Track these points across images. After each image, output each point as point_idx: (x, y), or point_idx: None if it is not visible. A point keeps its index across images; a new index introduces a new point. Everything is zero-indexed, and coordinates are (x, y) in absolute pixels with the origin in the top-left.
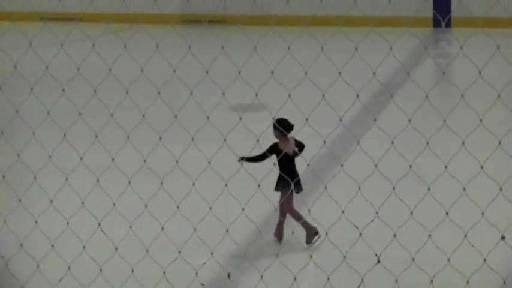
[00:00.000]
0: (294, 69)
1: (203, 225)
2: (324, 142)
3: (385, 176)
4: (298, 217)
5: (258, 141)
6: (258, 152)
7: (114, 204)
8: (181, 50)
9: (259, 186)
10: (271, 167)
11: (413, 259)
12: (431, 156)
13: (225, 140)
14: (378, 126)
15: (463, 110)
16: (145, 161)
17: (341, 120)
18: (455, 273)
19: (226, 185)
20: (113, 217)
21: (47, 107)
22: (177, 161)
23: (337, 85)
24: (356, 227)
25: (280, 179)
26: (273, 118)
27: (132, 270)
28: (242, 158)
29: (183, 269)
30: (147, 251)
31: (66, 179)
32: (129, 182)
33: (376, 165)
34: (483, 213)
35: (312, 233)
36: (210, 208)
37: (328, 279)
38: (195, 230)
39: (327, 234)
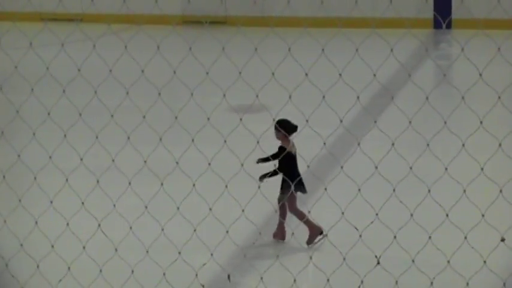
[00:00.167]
0: (294, 71)
1: (203, 226)
2: (324, 143)
3: (385, 178)
4: (301, 216)
5: (258, 142)
6: (259, 154)
7: (114, 205)
8: (182, 51)
9: (259, 187)
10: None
11: (413, 261)
12: (432, 158)
13: (225, 141)
14: (379, 128)
15: (464, 112)
16: (145, 162)
17: (341, 121)
18: (455, 275)
19: (226, 186)
20: (113, 218)
21: (47, 108)
22: (177, 162)
23: (338, 86)
24: (356, 228)
25: (285, 181)
26: (274, 120)
27: (132, 271)
28: (261, 161)
29: (183, 270)
30: (147, 251)
31: (67, 179)
32: (130, 183)
33: (376, 167)
34: (483, 215)
35: (315, 233)
36: (210, 209)
37: (328, 280)
38: (195, 231)
39: (327, 235)
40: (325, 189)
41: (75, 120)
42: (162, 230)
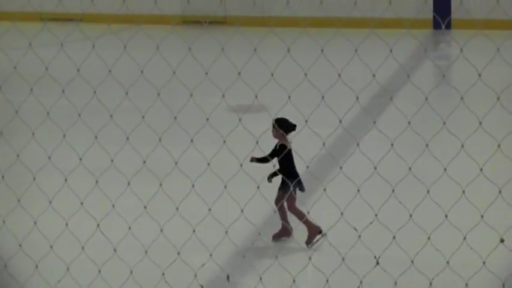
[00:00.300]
0: (293, 71)
1: (202, 227)
2: (324, 144)
3: (385, 178)
4: (301, 216)
5: (257, 142)
6: (258, 154)
7: (113, 205)
8: (181, 51)
9: (258, 187)
10: (270, 168)
11: (412, 261)
12: (431, 159)
13: (224, 141)
14: (378, 128)
15: (463, 113)
16: (144, 162)
17: (341, 122)
18: (454, 275)
19: (225, 187)
20: (112, 218)
21: (46, 108)
22: (176, 163)
23: (337, 87)
24: (355, 229)
25: (284, 181)
26: (273, 119)
27: (131, 272)
28: (255, 160)
29: (182, 271)
30: (146, 252)
31: (66, 179)
32: (129, 183)
33: (375, 167)
34: (482, 216)
35: (314, 233)
36: (209, 209)
37: (327, 281)
38: (194, 231)
39: (326, 235)
40: (324, 189)
41: (75, 120)
42: (161, 230)
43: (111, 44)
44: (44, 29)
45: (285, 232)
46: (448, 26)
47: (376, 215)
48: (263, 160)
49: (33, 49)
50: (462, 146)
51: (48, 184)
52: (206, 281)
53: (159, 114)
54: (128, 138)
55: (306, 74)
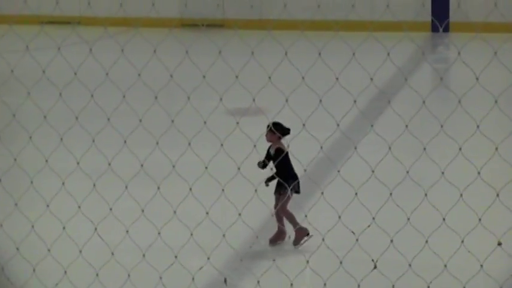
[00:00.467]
0: (291, 74)
1: (200, 230)
2: (321, 147)
3: (382, 182)
4: (290, 217)
5: (255, 146)
6: (256, 158)
7: (110, 209)
8: (179, 54)
9: (256, 191)
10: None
11: (410, 264)
12: (429, 162)
13: (222, 144)
14: (375, 132)
15: (461, 116)
16: (142, 165)
17: (338, 125)
18: (452, 278)
19: (223, 190)
20: (109, 221)
21: (44, 111)
22: (173, 166)
23: (335, 90)
24: (353, 232)
25: (281, 184)
26: (269, 123)
27: (129, 275)
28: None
29: (180, 274)
30: (144, 255)
31: (63, 183)
32: (126, 187)
33: (373, 171)
34: (480, 219)
35: (302, 234)
36: (207, 213)
37: (325, 284)
38: (191, 234)
39: (323, 239)
40: (322, 193)
41: (72, 123)
42: (159, 233)
43: (108, 47)
44: (41, 32)
45: (280, 235)
46: (446, 29)
47: (373, 218)
48: (264, 166)
49: (30, 52)
50: (460, 149)
51: (46, 187)
52: (204, 285)
53: (157, 118)
54: (125, 142)
55: (303, 77)
